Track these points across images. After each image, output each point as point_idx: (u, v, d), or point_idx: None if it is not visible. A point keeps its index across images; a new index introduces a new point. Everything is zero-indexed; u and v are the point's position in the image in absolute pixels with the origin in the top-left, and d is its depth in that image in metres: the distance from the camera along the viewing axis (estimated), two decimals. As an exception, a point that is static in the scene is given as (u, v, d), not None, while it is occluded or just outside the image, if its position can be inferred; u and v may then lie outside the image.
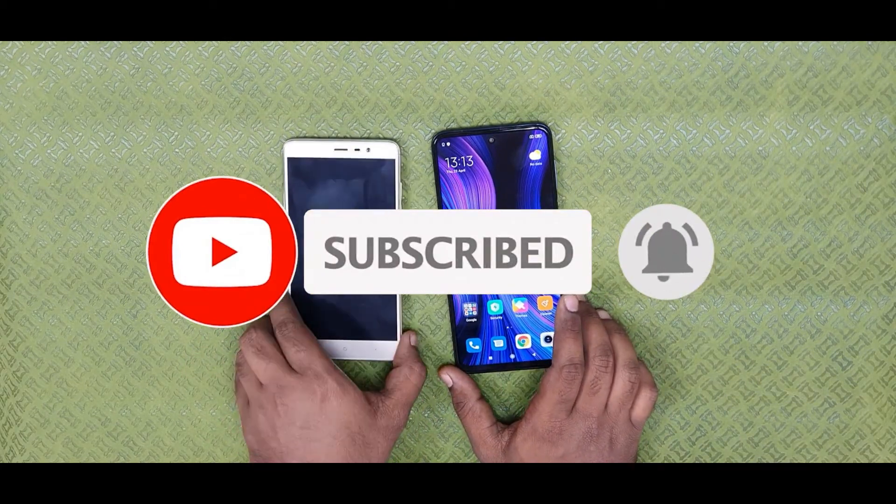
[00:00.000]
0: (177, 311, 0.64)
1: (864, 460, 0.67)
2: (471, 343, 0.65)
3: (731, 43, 0.62)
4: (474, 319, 0.65)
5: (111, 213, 0.66)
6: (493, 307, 0.65)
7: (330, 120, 0.64)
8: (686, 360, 0.66)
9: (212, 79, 0.64)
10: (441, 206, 0.64)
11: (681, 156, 0.64)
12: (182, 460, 0.68)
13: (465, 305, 0.65)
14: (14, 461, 0.69)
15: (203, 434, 0.68)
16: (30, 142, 0.65)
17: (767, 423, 0.67)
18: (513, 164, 0.63)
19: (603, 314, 0.65)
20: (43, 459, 0.68)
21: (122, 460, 0.69)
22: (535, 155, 0.63)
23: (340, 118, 0.64)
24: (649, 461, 0.68)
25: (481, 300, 0.65)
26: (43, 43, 0.64)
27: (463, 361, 0.66)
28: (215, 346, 0.67)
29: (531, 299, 0.64)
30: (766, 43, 0.62)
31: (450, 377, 0.66)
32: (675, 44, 0.63)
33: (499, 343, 0.65)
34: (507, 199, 0.63)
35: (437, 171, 0.63)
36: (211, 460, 0.68)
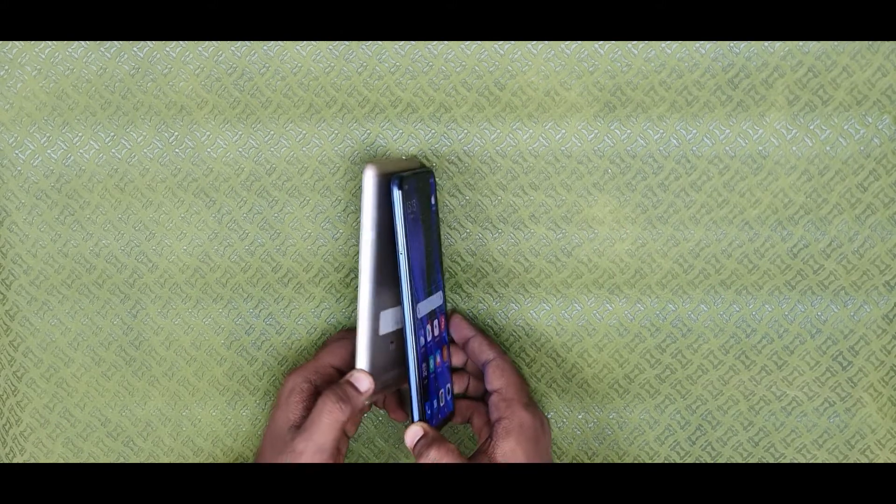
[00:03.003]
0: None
1: (864, 460, 0.67)
2: (426, 407, 0.62)
3: (731, 43, 0.62)
4: (426, 380, 0.62)
5: (111, 213, 0.66)
6: (432, 364, 0.62)
7: (330, 120, 0.64)
8: (686, 360, 0.66)
9: (212, 79, 0.64)
10: (408, 258, 0.59)
11: (681, 156, 0.64)
12: (182, 460, 0.68)
13: (423, 365, 0.61)
14: (14, 461, 0.69)
15: (203, 434, 0.68)
16: (30, 142, 0.65)
17: (767, 422, 0.67)
18: (426, 208, 0.61)
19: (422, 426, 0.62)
20: (43, 459, 0.68)
21: (122, 460, 0.69)
22: (433, 199, 0.63)
23: (340, 118, 0.64)
24: (649, 461, 0.68)
25: (427, 357, 0.62)
26: (43, 43, 0.64)
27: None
28: (215, 346, 0.67)
29: (440, 351, 0.63)
30: (766, 43, 0.62)
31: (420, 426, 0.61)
32: (675, 44, 0.63)
33: (434, 403, 0.62)
34: (428, 244, 0.61)
35: (403, 219, 0.59)
36: (211, 460, 0.68)
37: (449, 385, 0.63)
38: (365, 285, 0.59)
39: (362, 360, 0.60)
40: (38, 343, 0.67)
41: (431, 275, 0.62)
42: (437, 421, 0.62)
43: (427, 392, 0.61)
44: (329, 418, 0.59)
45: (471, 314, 0.67)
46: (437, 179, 0.65)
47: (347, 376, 0.60)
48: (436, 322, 0.62)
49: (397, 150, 0.65)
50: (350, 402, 0.59)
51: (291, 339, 0.67)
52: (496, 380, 0.62)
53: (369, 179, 0.58)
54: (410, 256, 0.59)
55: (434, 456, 0.59)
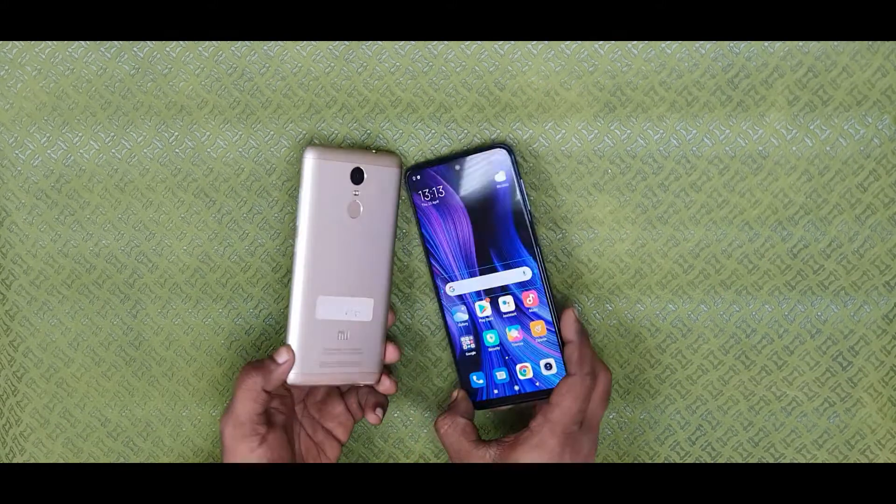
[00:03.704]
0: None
1: (864, 460, 0.67)
2: (474, 377, 0.64)
3: (731, 43, 0.62)
4: (473, 352, 0.64)
5: (111, 213, 0.66)
6: (489, 338, 0.63)
7: (330, 120, 0.64)
8: (686, 361, 0.66)
9: (212, 79, 0.64)
10: (423, 241, 0.64)
11: (681, 156, 0.64)
12: (182, 460, 0.68)
13: (463, 339, 0.64)
14: (14, 461, 0.69)
15: (203, 434, 0.68)
16: (30, 142, 0.65)
17: (767, 422, 0.67)
18: (480, 189, 0.63)
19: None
20: (43, 459, 0.68)
21: (121, 460, 0.69)
22: (500, 176, 0.62)
23: (340, 118, 0.64)
24: (649, 461, 0.68)
25: (476, 332, 0.64)
26: (43, 43, 0.64)
27: (470, 398, 0.64)
28: (215, 347, 0.67)
29: (524, 326, 0.63)
30: (766, 43, 0.62)
31: (456, 393, 0.64)
32: (675, 44, 0.63)
33: (501, 375, 0.64)
34: (482, 225, 0.63)
35: (414, 206, 0.64)
36: (211, 460, 0.68)
37: (547, 361, 0.63)
38: (299, 269, 0.61)
39: (291, 336, 0.61)
40: (38, 343, 0.67)
41: (485, 253, 0.63)
42: (514, 392, 0.64)
43: (478, 363, 0.64)
44: (242, 389, 0.60)
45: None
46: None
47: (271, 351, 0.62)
48: (507, 298, 0.63)
49: (398, 151, 0.65)
50: (263, 369, 0.60)
51: (291, 339, 0.67)
52: (557, 395, 0.60)
53: (308, 162, 0.61)
54: (434, 242, 0.64)
55: (438, 423, 0.62)
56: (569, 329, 0.62)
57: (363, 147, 0.64)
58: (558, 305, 0.64)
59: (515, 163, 0.62)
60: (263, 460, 0.59)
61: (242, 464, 0.59)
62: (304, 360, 0.61)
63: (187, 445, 0.68)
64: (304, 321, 0.61)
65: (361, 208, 0.62)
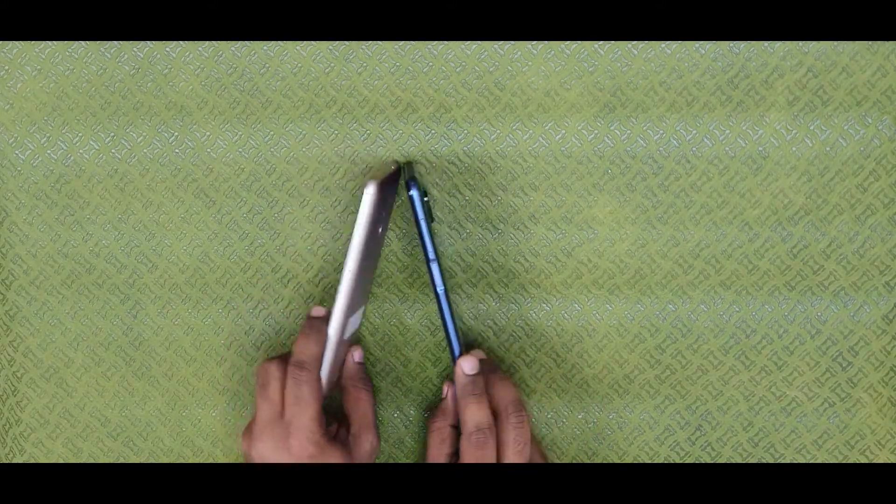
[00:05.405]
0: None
1: (864, 460, 0.67)
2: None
3: (731, 43, 0.62)
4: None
5: (111, 213, 0.66)
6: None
7: (330, 120, 0.64)
8: (686, 361, 0.66)
9: (212, 79, 0.64)
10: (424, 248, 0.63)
11: (681, 156, 0.64)
12: (182, 460, 0.68)
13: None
14: (14, 461, 0.69)
15: (203, 434, 0.68)
16: (30, 142, 0.65)
17: (767, 423, 0.67)
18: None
19: (478, 353, 0.63)
20: (43, 459, 0.68)
21: (121, 460, 0.69)
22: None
23: (340, 118, 0.64)
24: (649, 461, 0.68)
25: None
26: (43, 43, 0.64)
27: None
28: (215, 347, 0.67)
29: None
30: (766, 43, 0.62)
31: (447, 389, 0.64)
32: (675, 44, 0.63)
33: None
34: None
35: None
36: (211, 460, 0.68)
37: None
38: (343, 295, 0.58)
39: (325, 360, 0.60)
40: (38, 343, 0.67)
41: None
42: None
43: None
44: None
45: (471, 314, 0.67)
46: (437, 179, 0.65)
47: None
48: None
49: (398, 151, 0.65)
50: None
51: (291, 339, 0.67)
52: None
53: (369, 194, 0.56)
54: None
55: (429, 424, 0.62)
56: (456, 384, 0.61)
57: (385, 163, 0.64)
58: (469, 345, 0.65)
59: (422, 202, 0.60)
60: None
61: (242, 464, 0.59)
62: (330, 379, 0.61)
63: (187, 445, 0.68)
64: (337, 343, 0.60)
65: (380, 227, 0.61)
